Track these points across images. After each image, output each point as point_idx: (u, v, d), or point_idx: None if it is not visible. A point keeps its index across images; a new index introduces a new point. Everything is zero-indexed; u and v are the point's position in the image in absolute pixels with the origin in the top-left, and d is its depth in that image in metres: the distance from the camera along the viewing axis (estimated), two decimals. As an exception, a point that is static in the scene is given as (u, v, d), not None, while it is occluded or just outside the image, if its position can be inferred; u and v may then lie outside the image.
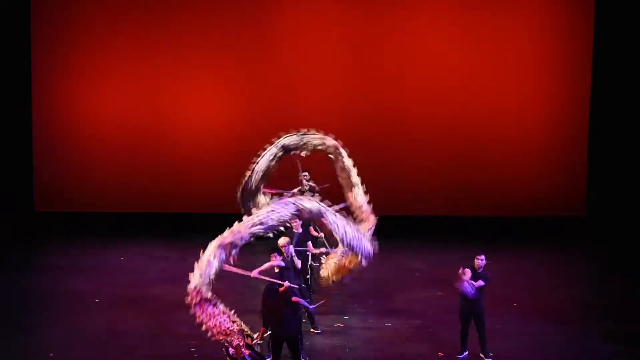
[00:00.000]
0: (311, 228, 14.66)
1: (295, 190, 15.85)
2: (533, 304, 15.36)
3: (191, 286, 11.14)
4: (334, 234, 12.16)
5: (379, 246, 12.45)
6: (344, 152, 15.05)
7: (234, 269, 11.45)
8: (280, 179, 15.71)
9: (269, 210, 11.54)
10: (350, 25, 21.50)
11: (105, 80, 21.59)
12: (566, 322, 14.57)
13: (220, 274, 11.24)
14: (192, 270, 11.14)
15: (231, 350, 11.21)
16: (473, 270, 12.57)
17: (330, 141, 15.10)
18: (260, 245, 14.04)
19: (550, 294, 16.22)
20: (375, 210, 14.48)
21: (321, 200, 15.24)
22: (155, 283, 16.63)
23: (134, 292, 15.99)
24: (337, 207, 15.29)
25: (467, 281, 12.38)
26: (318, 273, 14.04)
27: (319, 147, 15.10)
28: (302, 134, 15.05)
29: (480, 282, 12.49)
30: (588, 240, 20.69)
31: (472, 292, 12.42)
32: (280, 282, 11.57)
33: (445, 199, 21.42)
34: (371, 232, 13.89)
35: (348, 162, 15.08)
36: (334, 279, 13.47)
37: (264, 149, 14.98)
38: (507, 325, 14.17)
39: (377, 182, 21.06)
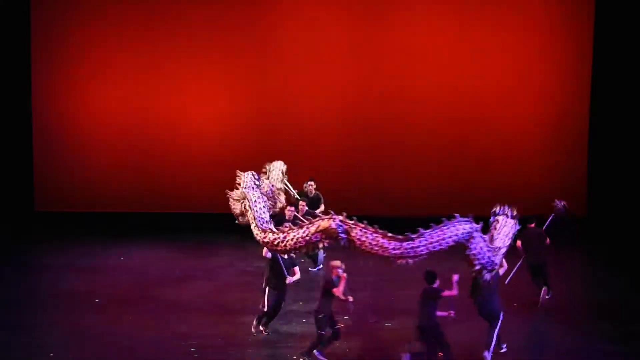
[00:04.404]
0: None
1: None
2: (533, 304, 15.33)
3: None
4: None
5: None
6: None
7: None
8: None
9: None
10: (351, 26, 21.46)
11: (105, 81, 21.60)
12: (566, 322, 14.56)
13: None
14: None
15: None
16: None
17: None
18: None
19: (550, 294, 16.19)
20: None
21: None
22: (155, 283, 16.60)
23: (134, 292, 15.97)
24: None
25: None
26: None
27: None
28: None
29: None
30: (588, 240, 20.68)
31: None
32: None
33: (445, 199, 21.35)
34: None
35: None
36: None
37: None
38: (507, 325, 14.12)
39: (377, 182, 21.25)
